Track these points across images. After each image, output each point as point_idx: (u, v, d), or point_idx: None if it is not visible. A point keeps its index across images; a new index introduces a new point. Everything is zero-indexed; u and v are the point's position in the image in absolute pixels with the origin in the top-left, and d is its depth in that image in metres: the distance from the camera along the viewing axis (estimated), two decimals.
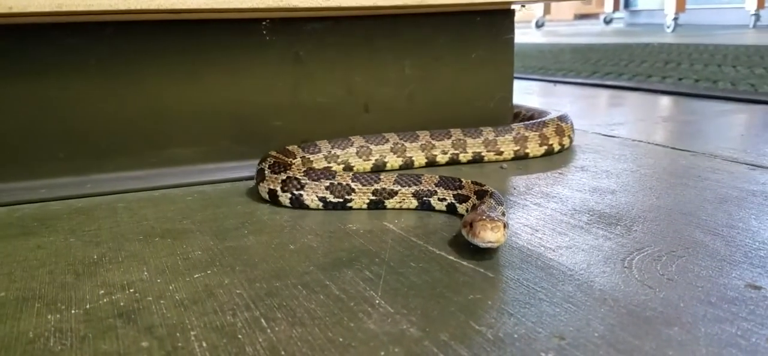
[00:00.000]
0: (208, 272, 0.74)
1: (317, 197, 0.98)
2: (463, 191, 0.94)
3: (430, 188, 0.97)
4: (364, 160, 1.18)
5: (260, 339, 0.58)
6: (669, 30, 6.36)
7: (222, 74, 1.14)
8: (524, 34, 7.02)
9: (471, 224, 0.76)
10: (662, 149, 1.32)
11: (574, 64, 3.27)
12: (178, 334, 0.59)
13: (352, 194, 0.98)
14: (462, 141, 1.23)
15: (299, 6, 1.04)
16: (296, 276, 0.72)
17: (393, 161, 1.20)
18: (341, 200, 0.98)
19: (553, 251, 0.78)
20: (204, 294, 0.68)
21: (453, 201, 0.95)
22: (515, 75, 1.43)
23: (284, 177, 0.99)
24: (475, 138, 1.24)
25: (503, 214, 0.84)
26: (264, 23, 1.14)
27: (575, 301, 0.64)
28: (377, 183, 0.98)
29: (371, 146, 1.18)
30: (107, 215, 0.97)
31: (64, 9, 0.92)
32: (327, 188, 0.98)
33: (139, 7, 0.95)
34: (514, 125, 1.27)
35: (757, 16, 6.39)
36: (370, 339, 0.58)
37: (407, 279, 0.71)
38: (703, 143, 1.37)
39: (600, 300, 0.64)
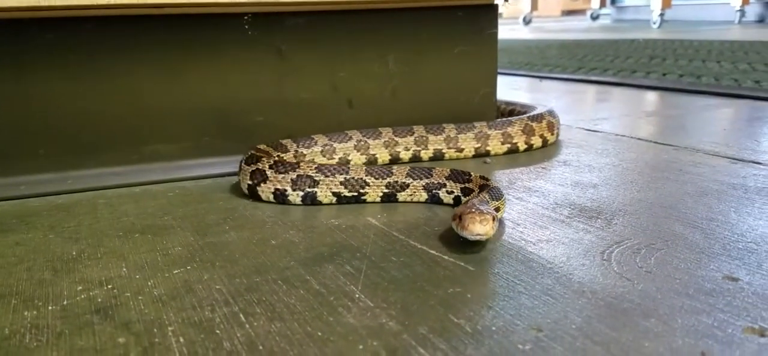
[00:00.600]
0: (188, 267, 0.73)
1: (331, 192, 0.98)
2: (470, 185, 0.94)
3: (440, 180, 0.97)
4: (328, 159, 1.17)
5: (238, 334, 0.58)
6: (655, 26, 6.40)
7: (204, 70, 1.14)
8: (512, 31, 7.04)
9: (460, 217, 0.76)
10: (645, 144, 1.33)
11: (560, 60, 3.28)
12: (155, 330, 0.59)
13: (367, 187, 0.97)
14: (424, 138, 1.23)
15: None
16: (277, 271, 0.72)
17: (357, 158, 1.19)
18: (356, 194, 0.98)
19: (534, 244, 0.78)
20: (183, 289, 0.68)
21: (460, 194, 0.95)
22: (502, 71, 1.43)
23: (295, 175, 0.98)
24: (436, 135, 1.24)
25: (497, 209, 0.84)
26: (245, 17, 1.14)
27: (554, 294, 0.64)
28: (390, 177, 0.98)
29: (335, 144, 1.18)
30: (87, 212, 0.96)
31: (43, 4, 0.91)
32: (342, 183, 0.97)
33: (118, 3, 0.94)
34: (477, 123, 1.27)
35: (742, 12, 6.45)
36: (348, 333, 0.58)
37: (388, 273, 0.71)
38: (686, 138, 1.37)
39: (578, 293, 0.64)
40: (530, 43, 4.83)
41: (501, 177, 1.10)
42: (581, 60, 3.22)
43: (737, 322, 0.57)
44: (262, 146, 1.08)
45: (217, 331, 0.58)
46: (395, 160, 1.22)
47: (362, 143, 1.19)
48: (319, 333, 0.58)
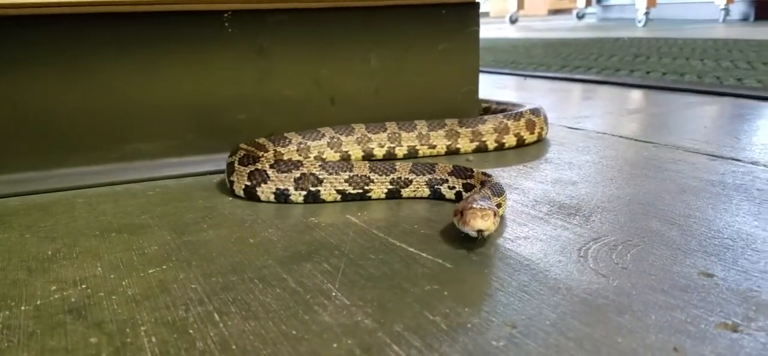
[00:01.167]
0: (164, 267, 0.73)
1: (336, 190, 0.97)
2: (472, 181, 0.94)
3: (443, 176, 0.97)
4: (303, 157, 1.16)
5: (212, 334, 0.57)
6: (640, 24, 6.44)
7: (184, 67, 1.13)
8: (498, 30, 7.05)
9: (461, 213, 0.76)
10: (626, 141, 1.33)
11: (545, 59, 3.29)
12: (128, 330, 0.59)
13: (371, 184, 0.97)
14: (397, 135, 1.23)
15: None
16: (254, 269, 0.72)
17: (330, 155, 1.19)
18: (361, 191, 0.97)
19: (512, 242, 0.78)
20: (157, 289, 0.67)
21: (461, 190, 0.95)
22: (489, 70, 1.43)
23: (298, 174, 0.96)
24: (409, 132, 1.24)
25: (499, 205, 0.84)
26: (225, 15, 1.13)
27: (529, 290, 0.64)
28: (393, 173, 0.97)
29: (309, 143, 1.17)
30: (65, 211, 0.95)
31: (21, 1, 0.90)
32: (346, 180, 0.97)
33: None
34: (448, 120, 1.27)
35: (727, 11, 6.50)
36: (323, 332, 0.58)
37: (366, 271, 0.71)
38: (667, 135, 1.38)
39: (554, 289, 0.64)
40: (516, 41, 4.84)
41: None
42: (566, 58, 3.23)
43: (711, 318, 0.57)
44: (243, 145, 1.07)
45: (191, 331, 0.58)
46: (369, 157, 1.21)
47: (335, 140, 1.19)
48: (294, 332, 0.58)
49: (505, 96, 2.13)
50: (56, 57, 1.05)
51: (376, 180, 0.97)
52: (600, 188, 0.99)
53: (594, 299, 0.61)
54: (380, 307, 0.62)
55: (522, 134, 1.30)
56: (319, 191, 0.96)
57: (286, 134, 1.15)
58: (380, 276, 0.69)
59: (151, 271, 0.72)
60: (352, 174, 0.96)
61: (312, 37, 1.21)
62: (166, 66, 1.12)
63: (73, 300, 0.65)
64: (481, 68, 2.98)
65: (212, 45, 1.14)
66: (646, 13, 6.52)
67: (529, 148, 1.30)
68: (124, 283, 0.69)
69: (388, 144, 1.22)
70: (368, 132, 1.21)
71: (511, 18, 8.10)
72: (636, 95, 2.10)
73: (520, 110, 1.33)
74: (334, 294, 0.65)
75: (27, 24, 1.03)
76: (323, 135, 1.18)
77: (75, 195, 1.04)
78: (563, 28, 6.83)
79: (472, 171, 0.95)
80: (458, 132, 1.25)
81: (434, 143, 1.25)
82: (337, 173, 0.96)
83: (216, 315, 0.61)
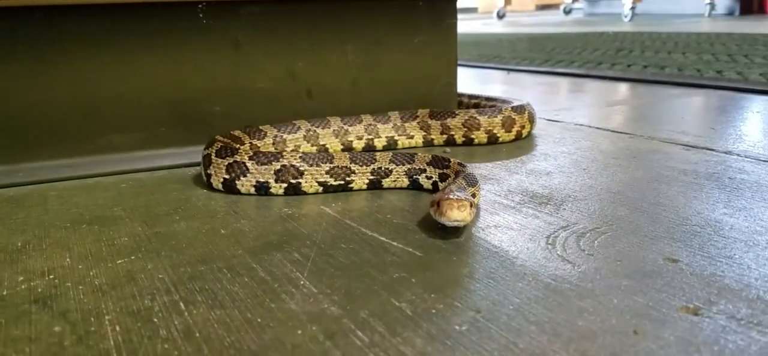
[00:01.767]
0: (132, 257, 0.73)
1: (317, 182, 0.96)
2: (448, 171, 0.94)
3: (421, 166, 0.97)
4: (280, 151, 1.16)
5: (176, 322, 0.57)
6: (626, 19, 6.47)
7: (158, 59, 1.12)
8: (485, 25, 7.06)
9: (438, 204, 0.76)
10: (603, 133, 1.34)
11: (529, 53, 3.30)
12: (92, 319, 0.58)
13: (353, 175, 0.97)
14: (374, 127, 1.24)
15: None
16: (223, 259, 0.72)
17: (307, 149, 1.19)
18: (342, 182, 0.97)
19: (483, 230, 0.78)
20: (124, 279, 0.67)
21: (437, 180, 0.95)
22: (474, 64, 1.42)
23: (278, 166, 0.96)
24: (384, 124, 1.24)
25: (474, 195, 0.84)
26: (200, 6, 1.13)
27: (496, 277, 0.64)
28: (374, 163, 0.97)
29: (285, 136, 1.17)
30: (37, 204, 0.95)
31: None
32: (327, 172, 0.96)
33: None
34: (420, 111, 1.27)
35: (712, 6, 6.54)
36: (289, 319, 0.58)
37: (335, 260, 0.71)
38: (644, 126, 1.39)
39: (519, 275, 0.64)
40: (502, 36, 4.85)
41: None
42: (550, 53, 3.24)
43: (673, 302, 0.58)
44: (219, 137, 1.06)
45: (155, 319, 0.58)
46: (347, 150, 1.21)
47: (312, 132, 1.18)
48: (259, 320, 0.58)
49: (488, 90, 2.14)
50: (28, 49, 1.05)
51: (357, 171, 0.97)
52: (573, 178, 1.00)
53: (558, 284, 0.62)
54: (347, 295, 0.62)
55: (495, 131, 1.27)
56: (300, 183, 0.96)
57: (261, 127, 1.15)
58: (349, 264, 0.69)
59: (119, 262, 0.71)
60: (332, 165, 0.96)
61: (288, 29, 1.21)
62: (140, 58, 1.11)
63: (39, 290, 0.65)
64: (467, 62, 2.99)
65: (187, 37, 1.13)
66: (632, 8, 6.55)
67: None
68: (91, 273, 0.68)
69: (366, 136, 1.22)
70: (344, 124, 1.21)
71: (498, 13, 8.12)
72: (619, 88, 2.12)
73: (498, 107, 1.30)
74: (302, 282, 0.65)
75: None
76: (299, 128, 1.18)
77: (47, 188, 1.03)
78: (550, 23, 6.85)
79: (449, 161, 0.96)
80: (430, 124, 1.25)
81: (412, 134, 1.25)
82: (317, 165, 0.96)
83: (182, 304, 0.61)
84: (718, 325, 0.54)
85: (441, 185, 0.93)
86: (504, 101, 1.42)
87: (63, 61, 1.07)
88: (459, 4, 1.40)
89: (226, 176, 0.97)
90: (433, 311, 0.58)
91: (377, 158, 0.98)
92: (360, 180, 0.97)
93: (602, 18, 7.39)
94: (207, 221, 0.85)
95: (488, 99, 1.50)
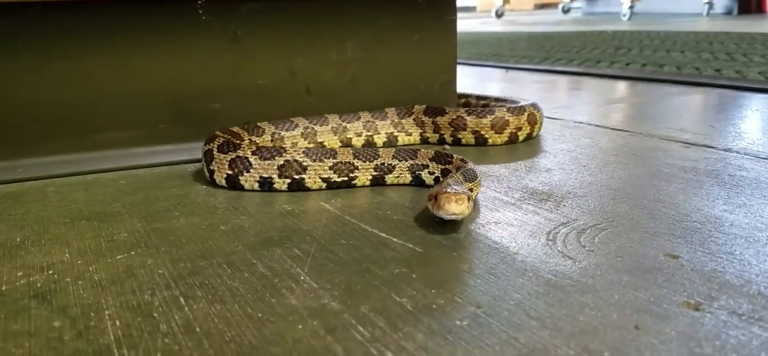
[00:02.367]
0: (132, 253, 0.72)
1: (321, 178, 0.96)
2: (450, 167, 0.94)
3: (424, 162, 0.97)
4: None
5: (176, 317, 0.57)
6: (625, 18, 6.47)
7: (157, 55, 1.12)
8: (484, 24, 7.06)
9: (436, 197, 0.76)
10: (602, 130, 1.34)
11: (528, 52, 3.30)
12: (92, 314, 0.58)
13: (356, 171, 0.97)
14: (372, 124, 1.23)
15: None
16: (223, 255, 0.72)
17: (305, 146, 1.18)
18: (346, 178, 0.97)
19: (483, 226, 0.78)
20: (124, 274, 0.67)
21: (439, 175, 0.95)
22: (472, 62, 1.42)
23: (281, 161, 0.95)
24: (382, 120, 1.24)
25: (471, 189, 0.84)
26: (199, 3, 1.12)
27: (497, 273, 0.64)
28: (377, 158, 0.97)
29: (282, 133, 1.16)
30: (36, 200, 0.94)
31: None
32: (331, 168, 0.96)
33: None
34: (415, 108, 1.27)
35: (710, 4, 6.55)
36: (289, 314, 0.57)
37: (336, 256, 0.70)
38: (643, 124, 1.39)
39: (520, 271, 0.64)
40: (500, 35, 4.85)
41: None
42: (548, 51, 3.24)
43: (674, 297, 0.58)
44: (220, 132, 1.06)
45: (155, 314, 0.58)
46: (346, 147, 1.21)
47: (309, 129, 1.18)
48: (260, 315, 0.57)
49: (491, 90, 2.14)
50: (24, 46, 1.04)
51: (360, 167, 0.97)
52: (573, 175, 0.99)
53: (559, 280, 0.62)
54: (348, 290, 0.62)
55: (483, 133, 1.23)
56: (303, 178, 0.96)
57: (259, 124, 1.14)
58: (350, 260, 0.69)
59: (118, 257, 0.71)
60: (336, 161, 0.96)
61: (287, 25, 1.21)
62: (139, 54, 1.11)
63: (38, 285, 0.65)
64: (464, 61, 2.98)
65: (186, 33, 1.13)
66: (631, 8, 6.56)
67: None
68: (91, 269, 0.68)
69: (365, 133, 1.22)
70: (342, 121, 1.21)
71: (496, 12, 8.11)
72: (617, 85, 2.12)
73: (490, 108, 1.26)
74: (302, 278, 0.65)
75: None
76: (297, 125, 1.17)
77: (46, 184, 1.03)
78: (548, 22, 6.85)
79: (452, 157, 0.96)
80: (424, 121, 1.25)
81: (410, 131, 1.25)
82: (321, 160, 0.96)
83: (182, 299, 0.61)
84: (719, 320, 0.54)
85: (441, 180, 0.93)
86: (513, 102, 1.34)
87: (62, 58, 1.06)
88: (457, 3, 1.39)
89: (230, 172, 0.97)
90: (434, 306, 0.58)
91: (380, 153, 0.98)
92: (363, 176, 0.97)
93: (601, 17, 7.39)
94: (206, 217, 0.85)
95: (497, 100, 1.44)
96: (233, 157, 0.96)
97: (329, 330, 0.54)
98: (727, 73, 2.14)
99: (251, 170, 0.96)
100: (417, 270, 0.66)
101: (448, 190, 0.75)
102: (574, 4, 8.61)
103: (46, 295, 0.62)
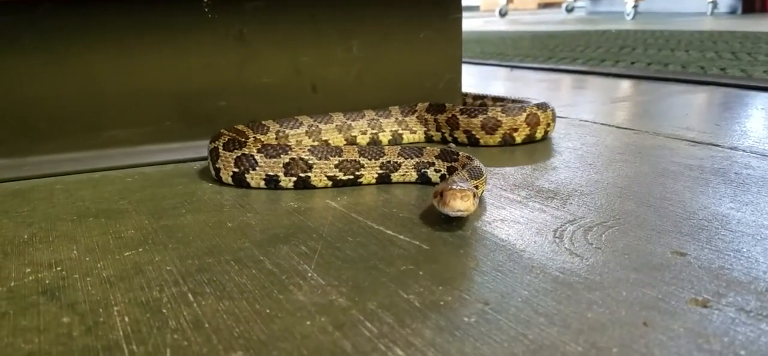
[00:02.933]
0: (140, 250, 0.73)
1: (326, 176, 0.96)
2: (456, 164, 0.94)
3: (430, 160, 0.97)
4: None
5: (185, 313, 0.57)
6: (629, 17, 6.46)
7: (163, 54, 1.12)
8: (487, 23, 7.06)
9: (441, 194, 0.76)
10: (608, 128, 1.34)
11: (532, 51, 3.30)
12: (101, 310, 0.58)
13: (362, 169, 0.97)
14: (376, 122, 1.23)
15: None
16: (230, 252, 0.72)
17: (308, 143, 1.18)
18: (352, 177, 0.97)
19: (489, 224, 0.78)
20: (132, 271, 0.67)
21: (445, 173, 0.95)
22: (476, 61, 1.41)
23: (287, 159, 0.95)
24: (386, 118, 1.24)
25: (477, 186, 0.84)
26: (205, 1, 1.12)
27: (504, 270, 0.64)
28: (383, 156, 0.97)
29: (287, 131, 1.16)
30: (43, 197, 0.95)
31: None
32: (336, 165, 0.96)
33: None
34: (418, 105, 1.27)
35: (715, 4, 6.54)
36: (297, 310, 0.58)
37: (342, 253, 0.71)
38: (649, 122, 1.39)
39: (527, 268, 0.64)
40: (504, 34, 4.85)
41: None
42: (552, 50, 3.24)
43: (682, 294, 0.58)
44: (225, 130, 1.06)
45: (164, 310, 0.58)
46: (351, 145, 1.21)
47: (314, 128, 1.18)
48: (268, 311, 0.58)
49: (495, 88, 2.14)
50: (34, 43, 1.05)
51: (366, 165, 0.97)
52: (579, 173, 0.99)
53: (567, 277, 0.62)
54: (355, 287, 0.62)
55: (475, 133, 1.21)
56: (309, 177, 0.96)
57: (264, 122, 1.15)
58: (356, 257, 0.69)
59: (126, 254, 0.72)
60: (341, 159, 0.96)
61: (293, 23, 1.21)
62: (145, 52, 1.11)
63: (47, 281, 0.65)
64: (469, 60, 2.98)
65: (192, 31, 1.13)
66: (635, 7, 6.55)
67: None
68: (99, 265, 0.68)
69: (371, 131, 1.22)
70: (347, 119, 1.21)
71: (500, 11, 8.11)
72: (622, 84, 2.11)
73: (487, 108, 1.23)
74: (309, 274, 0.65)
75: (3, 10, 1.02)
76: (302, 123, 1.18)
77: (53, 182, 1.03)
78: (552, 21, 6.85)
79: (458, 155, 0.96)
80: (426, 118, 1.25)
81: (414, 129, 1.25)
82: (326, 158, 0.96)
83: (190, 295, 0.61)
84: (727, 317, 0.54)
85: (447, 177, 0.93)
86: (520, 101, 1.30)
87: (69, 56, 1.07)
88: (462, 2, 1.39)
89: (236, 170, 0.97)
90: (442, 303, 0.58)
91: (386, 151, 0.98)
92: (369, 174, 0.97)
93: (604, 16, 7.38)
94: (213, 214, 0.85)
95: (514, 101, 1.37)
96: (239, 155, 0.96)
97: (337, 326, 0.54)
98: (731, 72, 2.14)
99: (257, 168, 0.96)
100: (424, 267, 0.66)
101: (454, 187, 0.76)
102: (578, 4, 8.60)
103: (54, 291, 0.63)
